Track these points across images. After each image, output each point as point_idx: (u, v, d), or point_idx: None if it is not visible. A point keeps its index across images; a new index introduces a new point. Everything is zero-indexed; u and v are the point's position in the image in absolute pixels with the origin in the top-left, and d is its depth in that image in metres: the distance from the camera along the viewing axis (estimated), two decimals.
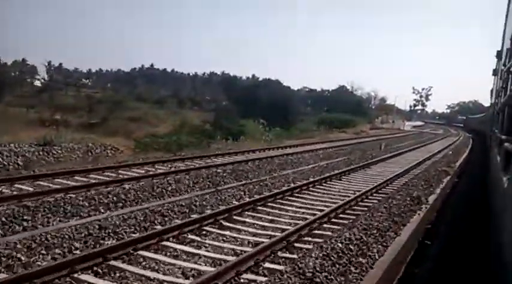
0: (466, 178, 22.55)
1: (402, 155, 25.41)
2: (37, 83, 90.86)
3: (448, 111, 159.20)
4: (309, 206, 11.14)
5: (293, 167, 17.92)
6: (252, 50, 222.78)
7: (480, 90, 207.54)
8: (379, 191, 13.68)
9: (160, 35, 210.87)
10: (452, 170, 19.62)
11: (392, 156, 24.23)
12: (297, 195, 12.30)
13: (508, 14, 12.32)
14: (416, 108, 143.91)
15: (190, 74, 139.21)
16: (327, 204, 11.22)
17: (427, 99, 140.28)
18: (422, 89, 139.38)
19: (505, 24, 14.46)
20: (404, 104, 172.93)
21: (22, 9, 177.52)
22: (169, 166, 15.91)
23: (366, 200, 12.24)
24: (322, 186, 14.09)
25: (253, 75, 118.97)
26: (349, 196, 12.15)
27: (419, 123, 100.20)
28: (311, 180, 14.42)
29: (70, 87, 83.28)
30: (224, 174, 14.47)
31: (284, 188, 12.55)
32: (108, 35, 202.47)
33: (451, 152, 29.55)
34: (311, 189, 13.33)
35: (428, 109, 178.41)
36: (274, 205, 10.91)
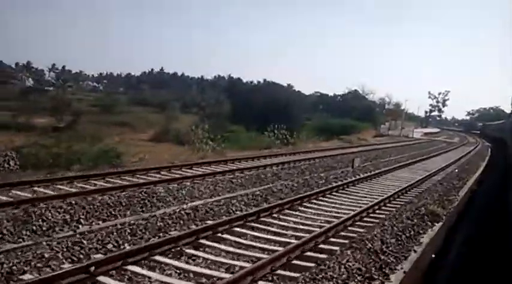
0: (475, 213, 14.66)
1: (380, 177, 17.31)
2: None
3: (468, 117, 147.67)
4: None
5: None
6: (264, 55, 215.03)
7: (502, 96, 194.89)
8: None
9: (173, 38, 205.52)
10: (445, 210, 11.52)
11: (363, 179, 16.19)
12: None
13: None
14: (433, 113, 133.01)
15: (197, 78, 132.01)
16: None
17: (444, 104, 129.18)
18: (439, 94, 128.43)
19: None
20: (417, 109, 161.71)
21: (30, 11, 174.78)
22: None
23: None
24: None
25: (265, 80, 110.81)
26: None
27: (434, 130, 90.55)
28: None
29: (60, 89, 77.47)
30: None
31: None
32: (120, 38, 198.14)
33: (457, 170, 21.21)
34: None
35: (448, 116, 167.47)
36: None
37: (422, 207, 11.34)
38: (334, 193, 13.06)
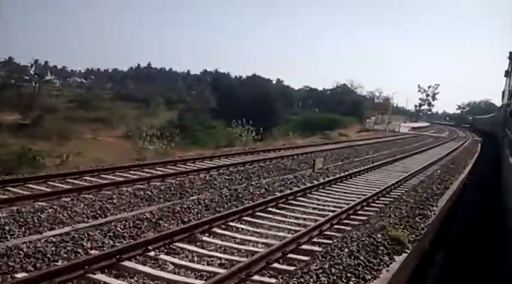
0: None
1: (343, 183, 14.01)
2: None
3: (459, 111, 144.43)
4: None
5: None
6: (255, 49, 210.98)
7: (491, 91, 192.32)
8: None
9: (162, 33, 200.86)
10: (413, 234, 8.24)
11: (319, 185, 12.82)
12: None
13: None
14: (423, 107, 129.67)
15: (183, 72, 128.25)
16: None
17: (434, 98, 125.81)
18: (429, 87, 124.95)
19: None
20: (406, 102, 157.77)
21: (22, 9, 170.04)
22: None
23: None
24: None
25: (254, 74, 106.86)
26: None
27: (423, 124, 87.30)
28: None
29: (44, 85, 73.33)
30: None
31: None
32: (108, 34, 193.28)
33: (439, 171, 17.92)
34: None
35: (439, 110, 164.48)
36: None
37: (380, 231, 7.99)
38: (269, 210, 9.68)
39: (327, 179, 13.71)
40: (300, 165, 16.57)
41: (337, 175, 14.56)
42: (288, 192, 11.31)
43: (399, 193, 12.40)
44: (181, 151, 21.64)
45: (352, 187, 13.27)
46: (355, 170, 16.16)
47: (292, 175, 14.33)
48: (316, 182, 13.10)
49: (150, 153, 20.02)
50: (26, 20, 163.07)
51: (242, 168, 15.09)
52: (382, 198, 11.77)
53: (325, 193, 12.10)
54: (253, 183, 12.46)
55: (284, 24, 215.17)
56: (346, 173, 15.22)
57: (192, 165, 15.16)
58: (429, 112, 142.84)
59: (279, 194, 10.97)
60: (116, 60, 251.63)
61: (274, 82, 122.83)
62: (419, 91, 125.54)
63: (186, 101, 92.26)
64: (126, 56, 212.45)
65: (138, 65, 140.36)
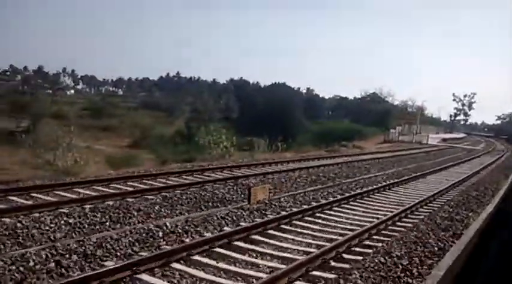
0: None
1: (285, 231, 8.52)
2: None
3: (499, 122, 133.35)
4: None
5: None
6: (287, 58, 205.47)
7: None
8: None
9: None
10: None
11: (244, 236, 7.42)
12: None
13: None
14: (458, 117, 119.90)
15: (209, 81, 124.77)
16: None
17: (470, 107, 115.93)
18: (465, 96, 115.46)
19: None
20: (438, 112, 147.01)
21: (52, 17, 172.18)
22: None
23: None
24: None
25: (276, 83, 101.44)
26: None
27: (458, 135, 79.18)
28: None
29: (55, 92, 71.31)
30: None
31: None
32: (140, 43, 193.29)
33: (453, 203, 12.15)
34: None
35: (478, 120, 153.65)
36: None
37: None
38: None
39: (254, 222, 8.37)
40: (240, 193, 11.21)
41: (280, 214, 9.18)
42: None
43: (367, 262, 6.91)
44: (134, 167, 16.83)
45: (292, 240, 7.88)
46: (324, 201, 10.75)
47: (216, 211, 9.08)
48: (235, 227, 7.81)
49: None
50: (60, 28, 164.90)
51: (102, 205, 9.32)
52: (324, 272, 6.34)
53: (234, 256, 6.77)
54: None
55: (314, 34, 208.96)
56: (302, 208, 9.82)
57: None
58: (467, 123, 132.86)
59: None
60: (147, 69, 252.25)
61: (304, 91, 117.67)
62: (454, 100, 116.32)
63: (199, 110, 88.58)
64: (156, 65, 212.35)
65: (168, 73, 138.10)
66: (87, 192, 10.00)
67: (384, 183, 14.81)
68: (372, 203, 11.70)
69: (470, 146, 49.93)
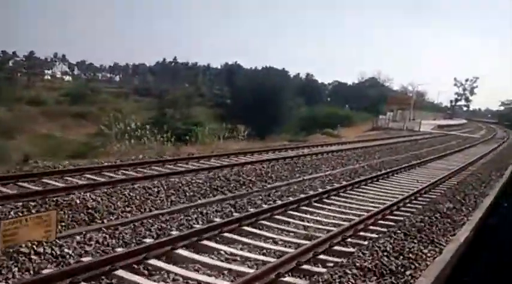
0: None
1: None
2: None
3: (502, 108, 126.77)
4: None
5: None
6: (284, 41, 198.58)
7: None
8: None
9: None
10: None
11: None
12: None
13: None
14: (459, 103, 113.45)
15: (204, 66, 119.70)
16: None
17: (472, 93, 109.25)
18: (466, 81, 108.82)
19: None
20: (437, 96, 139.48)
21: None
22: None
23: None
24: None
25: (267, 66, 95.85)
26: None
27: (457, 121, 73.64)
28: None
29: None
30: None
31: None
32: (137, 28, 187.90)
33: (414, 221, 7.46)
34: None
35: (481, 106, 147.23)
36: None
37: None
38: None
39: None
40: None
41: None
42: None
43: None
44: None
45: None
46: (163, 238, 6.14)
47: None
48: None
49: None
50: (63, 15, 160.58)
51: None
52: None
53: None
54: None
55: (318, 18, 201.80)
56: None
57: None
58: (469, 109, 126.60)
59: None
60: (145, 55, 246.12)
61: (303, 76, 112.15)
62: (455, 85, 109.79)
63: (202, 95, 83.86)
64: (155, 50, 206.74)
65: (164, 59, 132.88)
66: None
67: (330, 187, 10.25)
68: (295, 225, 7.08)
69: (467, 134, 44.81)
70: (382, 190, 11.34)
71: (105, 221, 7.07)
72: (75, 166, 10.52)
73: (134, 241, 6.10)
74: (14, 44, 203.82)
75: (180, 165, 12.30)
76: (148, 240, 6.11)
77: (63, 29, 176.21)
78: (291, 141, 25.35)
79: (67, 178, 9.36)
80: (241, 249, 6.27)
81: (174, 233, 6.43)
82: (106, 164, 11.03)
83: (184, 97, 56.27)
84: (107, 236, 6.08)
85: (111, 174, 10.14)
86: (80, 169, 10.02)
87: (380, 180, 12.75)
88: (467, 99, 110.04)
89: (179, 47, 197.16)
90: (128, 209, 7.70)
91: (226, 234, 6.68)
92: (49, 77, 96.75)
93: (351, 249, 6.45)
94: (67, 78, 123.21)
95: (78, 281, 4.58)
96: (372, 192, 11.01)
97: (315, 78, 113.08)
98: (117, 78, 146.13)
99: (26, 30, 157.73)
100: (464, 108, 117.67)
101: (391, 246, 6.56)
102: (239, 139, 30.26)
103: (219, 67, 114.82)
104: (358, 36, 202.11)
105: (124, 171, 10.58)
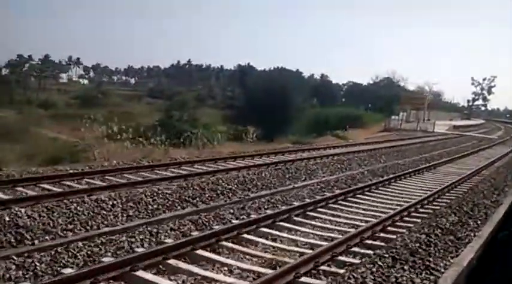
0: None
1: None
2: None
3: None
4: None
5: None
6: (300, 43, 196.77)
7: None
8: None
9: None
10: None
11: None
12: None
13: None
14: (476, 102, 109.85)
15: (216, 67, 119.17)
16: None
17: (489, 92, 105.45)
18: (484, 80, 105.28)
19: None
20: (453, 97, 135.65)
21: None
22: None
23: None
24: None
25: (280, 67, 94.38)
26: None
27: (474, 121, 71.08)
28: None
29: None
30: None
31: None
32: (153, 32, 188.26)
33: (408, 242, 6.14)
34: None
35: (500, 106, 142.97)
36: None
37: None
38: None
39: None
40: None
41: None
42: None
43: None
44: None
45: None
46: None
47: None
48: None
49: None
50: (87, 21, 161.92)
51: None
52: None
53: None
54: None
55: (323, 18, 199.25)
56: None
57: None
58: (487, 109, 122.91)
59: None
60: (160, 57, 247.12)
61: (318, 77, 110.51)
62: (472, 84, 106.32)
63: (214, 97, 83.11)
64: (171, 52, 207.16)
65: (178, 61, 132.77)
66: None
67: (295, 204, 8.89)
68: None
69: (483, 134, 42.76)
70: (379, 200, 10.02)
71: (36, 242, 5.94)
72: (35, 174, 9.46)
73: (50, 272, 4.93)
74: (28, 47, 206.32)
75: (157, 171, 11.17)
76: (68, 270, 4.93)
77: (77, 33, 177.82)
78: (294, 144, 23.99)
79: (18, 188, 8.29)
80: (183, 282, 5.05)
81: (106, 260, 5.24)
82: (71, 171, 9.92)
83: (194, 99, 55.20)
84: (13, 266, 4.92)
85: (72, 183, 9.04)
86: (36, 177, 8.93)
87: (380, 188, 11.41)
88: (484, 99, 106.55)
89: (193, 49, 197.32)
90: (70, 227, 6.56)
91: (171, 261, 5.47)
92: (65, 80, 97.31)
93: (318, 282, 5.18)
94: (84, 81, 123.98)
95: None
96: (367, 203, 9.70)
97: (329, 79, 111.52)
98: (133, 81, 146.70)
99: (41, 33, 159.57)
100: (482, 108, 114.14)
101: (372, 277, 5.27)
102: (247, 141, 29.14)
103: (232, 68, 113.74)
104: (373, 37, 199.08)
105: (88, 180, 9.46)
